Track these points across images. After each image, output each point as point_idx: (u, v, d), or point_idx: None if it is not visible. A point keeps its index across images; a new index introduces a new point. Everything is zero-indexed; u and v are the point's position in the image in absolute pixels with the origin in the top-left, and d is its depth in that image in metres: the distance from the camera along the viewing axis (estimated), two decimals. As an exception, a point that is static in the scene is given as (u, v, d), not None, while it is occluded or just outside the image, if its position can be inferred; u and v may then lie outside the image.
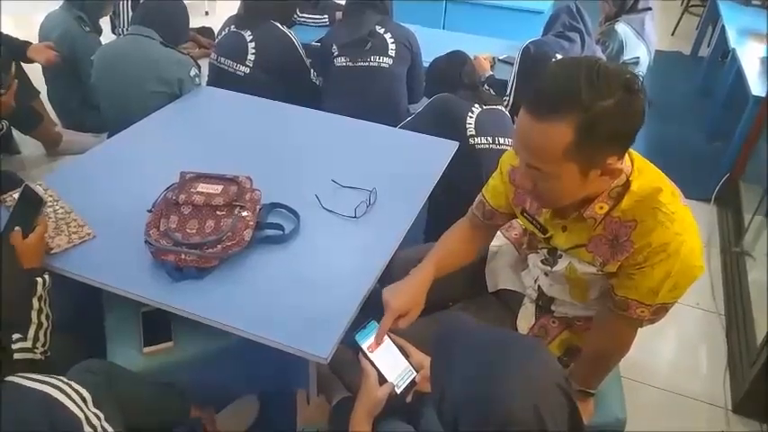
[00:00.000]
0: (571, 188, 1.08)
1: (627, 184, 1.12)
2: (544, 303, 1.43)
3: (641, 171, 1.14)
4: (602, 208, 1.14)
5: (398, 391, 1.17)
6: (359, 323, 1.26)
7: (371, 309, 1.37)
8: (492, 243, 1.60)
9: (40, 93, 3.03)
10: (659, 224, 1.10)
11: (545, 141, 1.01)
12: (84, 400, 1.03)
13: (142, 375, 1.43)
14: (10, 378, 1.01)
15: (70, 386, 1.03)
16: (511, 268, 1.54)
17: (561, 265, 1.30)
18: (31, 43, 2.77)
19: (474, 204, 1.48)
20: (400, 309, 1.26)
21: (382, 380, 1.17)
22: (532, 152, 1.05)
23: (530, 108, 1.03)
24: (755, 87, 2.84)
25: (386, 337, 1.23)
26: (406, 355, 1.22)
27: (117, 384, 1.27)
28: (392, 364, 1.20)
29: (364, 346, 1.20)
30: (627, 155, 1.13)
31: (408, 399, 1.18)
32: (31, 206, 1.44)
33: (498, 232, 1.61)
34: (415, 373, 1.20)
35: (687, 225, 1.12)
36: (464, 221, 1.49)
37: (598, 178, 1.07)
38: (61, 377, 1.04)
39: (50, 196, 1.65)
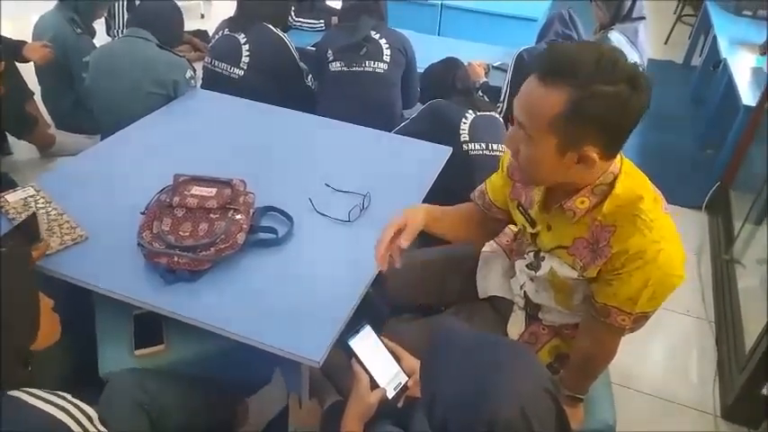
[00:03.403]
0: (545, 161, 1.09)
1: (612, 185, 1.13)
2: (531, 310, 1.44)
3: (628, 175, 1.14)
4: (583, 203, 1.14)
5: (390, 396, 1.17)
6: (352, 327, 1.26)
7: (364, 313, 1.38)
8: (483, 249, 1.61)
9: (34, 93, 3.02)
10: (637, 231, 1.10)
11: (539, 103, 1.03)
12: (89, 418, 1.03)
13: (179, 377, 1.45)
14: (16, 393, 1.01)
15: (75, 405, 1.03)
16: (501, 275, 1.55)
17: (544, 269, 1.31)
18: (25, 42, 2.76)
19: (476, 192, 1.50)
20: (403, 217, 1.30)
21: (374, 384, 1.18)
22: (525, 110, 1.07)
23: (539, 69, 1.05)
24: (746, 97, 2.87)
25: (378, 341, 1.23)
26: (398, 360, 1.23)
27: (151, 393, 1.30)
28: (384, 368, 1.20)
29: (357, 350, 1.20)
30: (620, 156, 1.14)
31: (400, 404, 1.19)
32: (28, 233, 1.45)
33: None
34: (406, 378, 1.20)
35: (666, 233, 1.12)
36: (470, 203, 1.52)
37: (574, 164, 1.08)
38: (66, 395, 1.04)
39: (42, 198, 1.64)
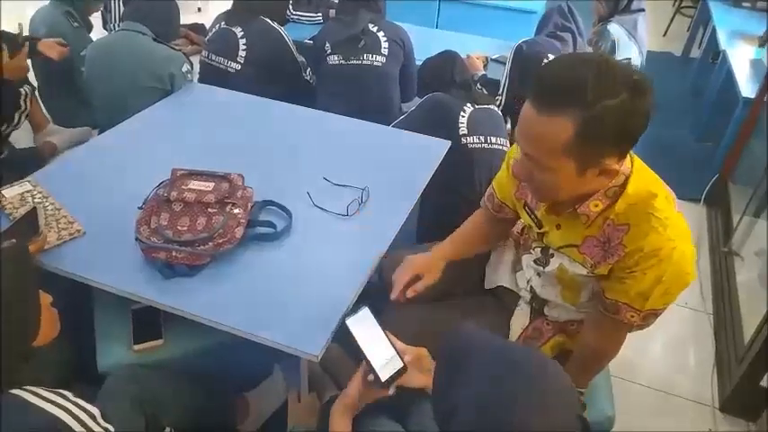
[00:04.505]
0: (567, 184, 1.08)
1: (624, 185, 1.12)
2: (537, 305, 1.43)
3: (639, 174, 1.14)
4: (596, 206, 1.14)
5: (383, 378, 1.14)
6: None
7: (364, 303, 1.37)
8: None
9: (35, 88, 3.00)
10: (652, 229, 1.10)
11: (545, 134, 1.01)
12: (92, 416, 1.03)
13: (179, 375, 1.45)
14: (17, 392, 1.00)
15: (76, 404, 1.03)
16: (510, 266, 1.54)
17: (553, 265, 1.30)
18: (39, 39, 2.75)
19: (486, 195, 1.49)
20: (422, 266, 1.37)
21: (368, 366, 1.15)
22: (532, 143, 1.06)
23: (534, 99, 1.02)
24: (745, 89, 2.87)
25: (376, 324, 1.20)
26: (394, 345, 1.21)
27: (150, 391, 1.31)
28: (380, 351, 1.17)
29: (354, 330, 1.18)
30: (628, 155, 1.13)
31: (391, 390, 1.15)
32: (28, 228, 1.44)
33: None
34: (402, 364, 1.16)
35: (680, 231, 1.12)
36: (479, 211, 1.52)
37: (595, 178, 1.07)
38: (67, 393, 1.04)
39: (39, 192, 1.64)
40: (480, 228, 1.51)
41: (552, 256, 1.30)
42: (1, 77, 2.34)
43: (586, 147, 1.00)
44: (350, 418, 1.15)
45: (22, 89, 2.59)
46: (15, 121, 2.61)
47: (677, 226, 1.12)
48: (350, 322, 1.19)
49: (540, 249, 1.35)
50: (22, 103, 2.61)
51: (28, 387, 1.01)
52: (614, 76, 0.97)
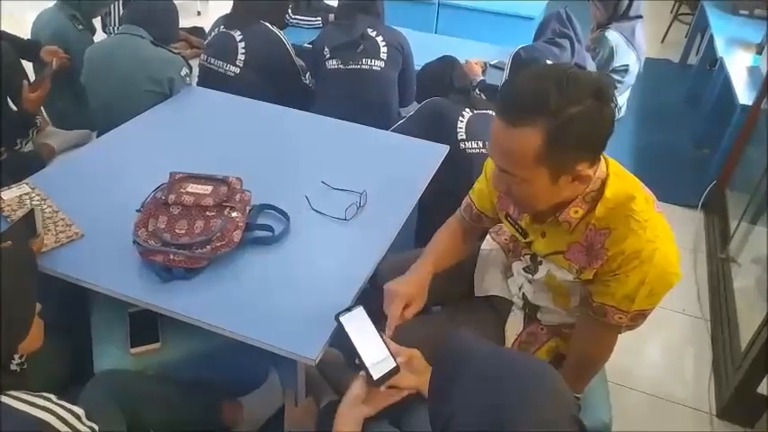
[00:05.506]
0: (542, 193, 1.10)
1: (602, 189, 1.13)
2: (530, 311, 1.43)
3: (616, 176, 1.15)
4: (576, 212, 1.15)
5: (375, 377, 1.13)
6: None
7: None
8: (482, 246, 1.61)
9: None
10: (632, 232, 1.11)
11: (515, 146, 1.03)
12: (77, 417, 1.03)
13: (164, 378, 1.44)
14: None
15: (61, 406, 1.02)
16: (500, 274, 1.54)
17: (541, 273, 1.31)
18: (41, 44, 2.76)
19: (462, 206, 1.49)
20: (409, 295, 1.28)
21: (360, 362, 1.14)
22: (504, 157, 1.08)
23: (501, 113, 1.05)
24: (742, 96, 2.87)
25: (370, 324, 1.20)
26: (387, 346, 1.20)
27: (131, 393, 1.30)
28: (372, 349, 1.16)
29: (347, 326, 1.18)
30: (603, 159, 1.14)
31: (382, 388, 1.14)
32: (25, 230, 1.44)
33: (488, 236, 1.61)
34: (395, 364, 1.15)
35: (660, 232, 1.13)
36: (453, 221, 1.51)
37: (569, 184, 1.09)
38: (50, 396, 1.03)
39: (37, 195, 1.64)
40: (456, 238, 1.49)
41: (540, 263, 1.32)
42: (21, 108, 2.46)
43: (557, 154, 1.02)
44: (358, 419, 1.13)
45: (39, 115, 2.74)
46: (30, 136, 2.75)
47: (657, 226, 1.13)
48: (344, 319, 1.18)
49: (529, 257, 1.36)
50: (37, 121, 2.73)
51: (9, 392, 1.00)
52: (576, 84, 0.99)
